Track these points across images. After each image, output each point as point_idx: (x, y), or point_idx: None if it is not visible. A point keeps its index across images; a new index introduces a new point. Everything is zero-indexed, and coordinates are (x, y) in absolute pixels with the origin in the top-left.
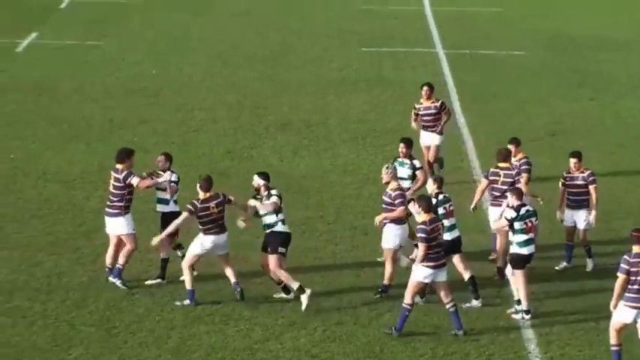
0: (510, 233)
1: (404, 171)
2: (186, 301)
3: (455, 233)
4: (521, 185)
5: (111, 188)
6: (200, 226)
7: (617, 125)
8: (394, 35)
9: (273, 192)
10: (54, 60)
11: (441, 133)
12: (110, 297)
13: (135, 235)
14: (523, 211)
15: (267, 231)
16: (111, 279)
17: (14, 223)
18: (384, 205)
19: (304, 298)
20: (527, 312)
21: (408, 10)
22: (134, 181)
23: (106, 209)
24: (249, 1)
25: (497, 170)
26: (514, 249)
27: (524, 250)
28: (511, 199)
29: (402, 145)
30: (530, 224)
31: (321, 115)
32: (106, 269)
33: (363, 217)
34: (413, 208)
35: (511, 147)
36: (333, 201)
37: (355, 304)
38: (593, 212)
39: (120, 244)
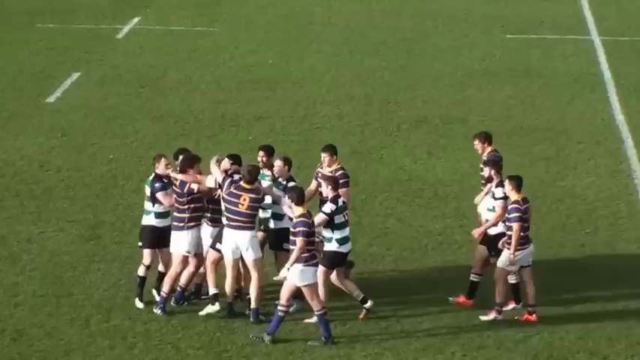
0: (327, 230)
1: (265, 184)
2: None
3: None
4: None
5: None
6: None
7: None
8: (543, 20)
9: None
10: (158, 48)
11: None
12: (221, 317)
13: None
14: (340, 202)
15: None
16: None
17: (113, 232)
18: None
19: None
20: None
21: None
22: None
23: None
24: None
25: None
26: (332, 246)
27: (343, 249)
28: (326, 190)
29: (261, 153)
30: (347, 217)
31: (461, 110)
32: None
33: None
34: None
35: (325, 155)
36: (474, 209)
37: (499, 326)
38: None
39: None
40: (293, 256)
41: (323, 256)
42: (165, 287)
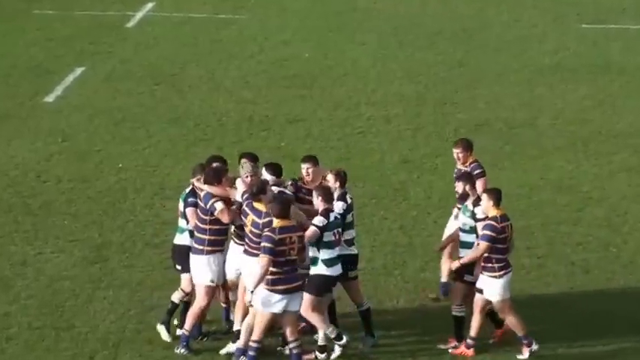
0: (313, 249)
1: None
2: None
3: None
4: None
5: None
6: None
7: None
8: (625, 7)
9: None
10: (175, 38)
11: None
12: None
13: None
14: (332, 217)
15: None
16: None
17: (122, 253)
18: None
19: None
20: (322, 349)
21: None
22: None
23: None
24: None
25: None
26: (318, 269)
27: (330, 271)
28: (317, 202)
29: (243, 160)
30: (337, 236)
31: (529, 112)
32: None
33: (584, 250)
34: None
35: (307, 166)
36: (544, 227)
37: None
38: None
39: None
40: (256, 278)
41: (308, 281)
42: (188, 324)
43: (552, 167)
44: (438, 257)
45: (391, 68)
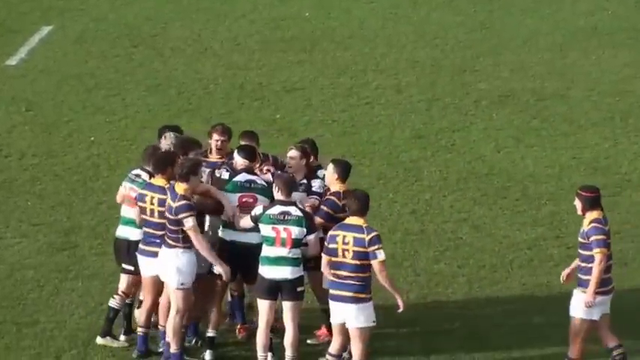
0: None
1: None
2: None
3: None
4: None
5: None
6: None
7: None
8: None
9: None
10: None
11: None
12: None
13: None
14: (276, 210)
15: None
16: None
17: (94, 239)
18: None
19: None
20: None
21: None
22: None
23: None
24: None
25: None
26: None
27: (265, 271)
28: (276, 193)
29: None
30: (282, 234)
31: (560, 82)
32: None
33: (621, 240)
34: None
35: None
36: (576, 213)
37: None
38: None
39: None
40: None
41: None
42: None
43: (586, 145)
44: (455, 246)
45: (403, 30)
